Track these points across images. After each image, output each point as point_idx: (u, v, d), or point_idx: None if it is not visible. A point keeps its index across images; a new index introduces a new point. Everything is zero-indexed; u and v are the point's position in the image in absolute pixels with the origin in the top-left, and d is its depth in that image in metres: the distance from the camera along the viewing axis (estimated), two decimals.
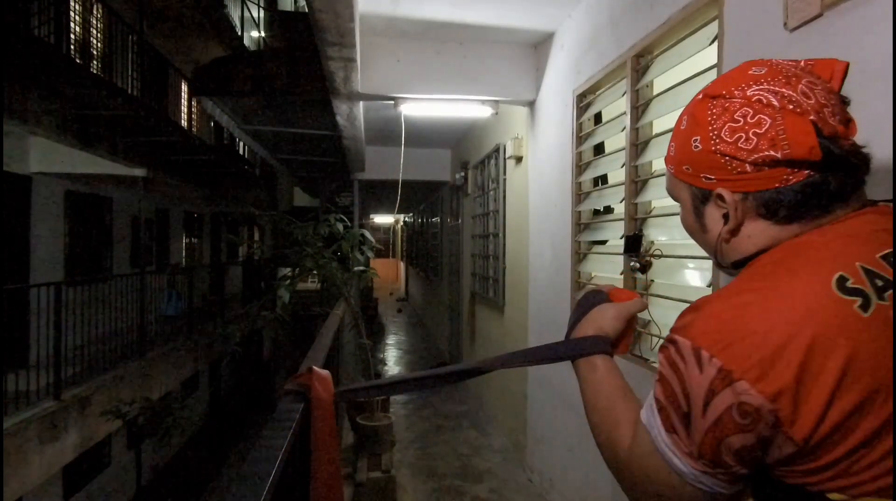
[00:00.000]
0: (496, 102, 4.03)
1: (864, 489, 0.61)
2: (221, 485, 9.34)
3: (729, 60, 1.83)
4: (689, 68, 2.15)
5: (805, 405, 0.60)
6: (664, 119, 2.33)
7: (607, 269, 2.84)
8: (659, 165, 2.43)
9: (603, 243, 3.04)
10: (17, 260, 6.45)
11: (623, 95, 2.59)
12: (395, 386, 1.23)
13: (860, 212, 0.72)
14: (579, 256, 3.14)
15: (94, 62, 7.50)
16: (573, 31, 3.24)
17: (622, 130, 2.59)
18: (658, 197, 2.36)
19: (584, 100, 3.11)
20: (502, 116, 4.48)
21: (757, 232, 0.75)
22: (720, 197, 0.75)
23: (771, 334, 0.62)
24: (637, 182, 2.48)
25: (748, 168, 0.71)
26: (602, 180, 3.07)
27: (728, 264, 0.80)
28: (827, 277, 0.64)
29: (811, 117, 0.69)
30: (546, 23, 3.44)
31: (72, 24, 6.87)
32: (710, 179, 0.75)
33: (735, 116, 0.72)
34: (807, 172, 0.70)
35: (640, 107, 2.46)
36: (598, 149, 3.07)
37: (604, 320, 0.91)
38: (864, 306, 0.62)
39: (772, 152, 0.69)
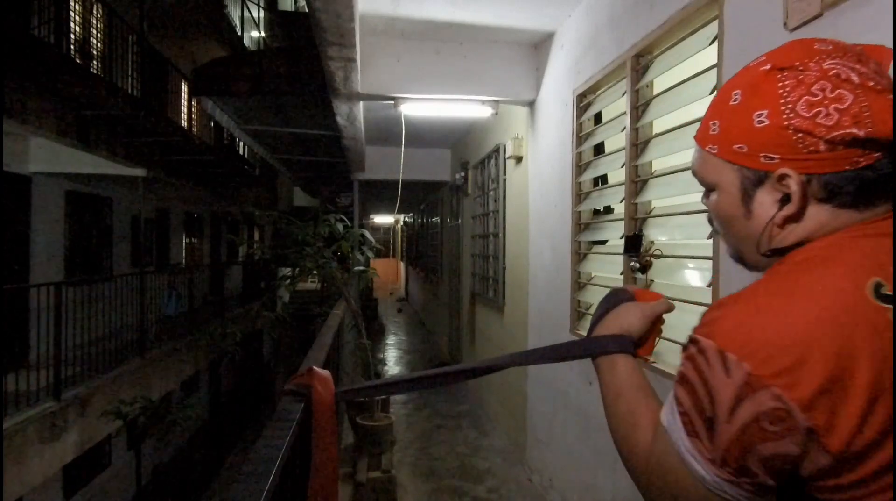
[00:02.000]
0: (496, 102, 4.03)
1: None
2: (222, 485, 9.35)
3: (729, 60, 1.83)
4: (689, 68, 2.15)
5: (840, 415, 0.57)
6: (664, 119, 2.33)
7: (607, 269, 2.84)
8: (659, 164, 2.44)
9: (603, 243, 3.04)
10: (17, 260, 6.46)
11: (623, 95, 2.59)
12: (396, 385, 1.23)
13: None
14: (579, 256, 3.14)
15: (94, 62, 7.49)
16: (573, 31, 3.24)
17: (622, 130, 2.59)
18: (658, 197, 2.36)
19: (584, 100, 3.11)
20: (502, 116, 4.48)
21: (810, 218, 0.70)
22: (783, 178, 0.69)
23: (802, 338, 0.59)
24: (637, 182, 2.48)
25: (822, 147, 0.65)
26: (602, 180, 3.07)
27: (766, 252, 0.74)
28: (863, 281, 0.61)
29: (889, 96, 0.65)
30: (546, 23, 3.44)
31: (72, 24, 6.87)
32: (773, 158, 0.69)
33: (812, 90, 0.66)
34: (877, 155, 0.65)
35: (640, 107, 2.46)
36: (598, 149, 3.07)
37: (628, 318, 0.88)
38: None
39: (854, 130, 0.64)
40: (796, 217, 0.70)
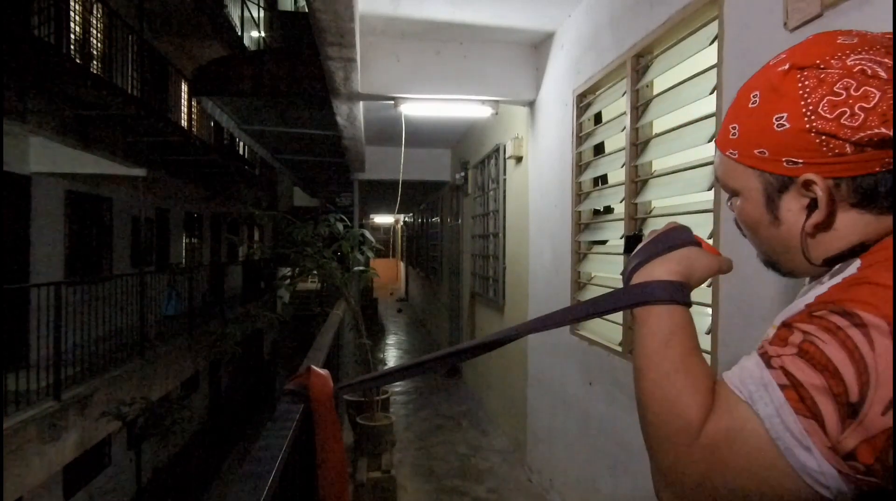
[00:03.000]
0: (496, 102, 4.03)
1: None
2: (222, 485, 9.35)
3: (729, 60, 1.83)
4: (689, 68, 2.15)
5: None
6: (664, 119, 2.33)
7: (607, 269, 2.84)
8: (659, 164, 2.44)
9: (603, 243, 3.05)
10: (17, 260, 6.45)
11: (623, 95, 2.60)
12: (394, 375, 1.22)
13: None
14: (579, 256, 3.14)
15: (94, 62, 7.50)
16: (573, 31, 3.24)
17: (622, 130, 2.59)
18: (658, 197, 2.36)
19: (584, 100, 3.11)
20: (502, 116, 4.48)
21: (847, 225, 0.66)
22: (808, 184, 0.65)
23: None
24: (637, 182, 2.48)
25: (848, 149, 0.62)
26: (602, 180, 3.07)
27: (817, 262, 0.69)
28: None
29: None
30: (546, 23, 3.44)
31: (72, 24, 6.88)
32: (796, 163, 0.65)
33: (835, 89, 0.62)
34: None
35: (640, 107, 2.46)
36: (598, 149, 3.07)
37: (695, 266, 0.75)
38: None
39: (882, 129, 0.60)
40: (826, 224, 0.66)
